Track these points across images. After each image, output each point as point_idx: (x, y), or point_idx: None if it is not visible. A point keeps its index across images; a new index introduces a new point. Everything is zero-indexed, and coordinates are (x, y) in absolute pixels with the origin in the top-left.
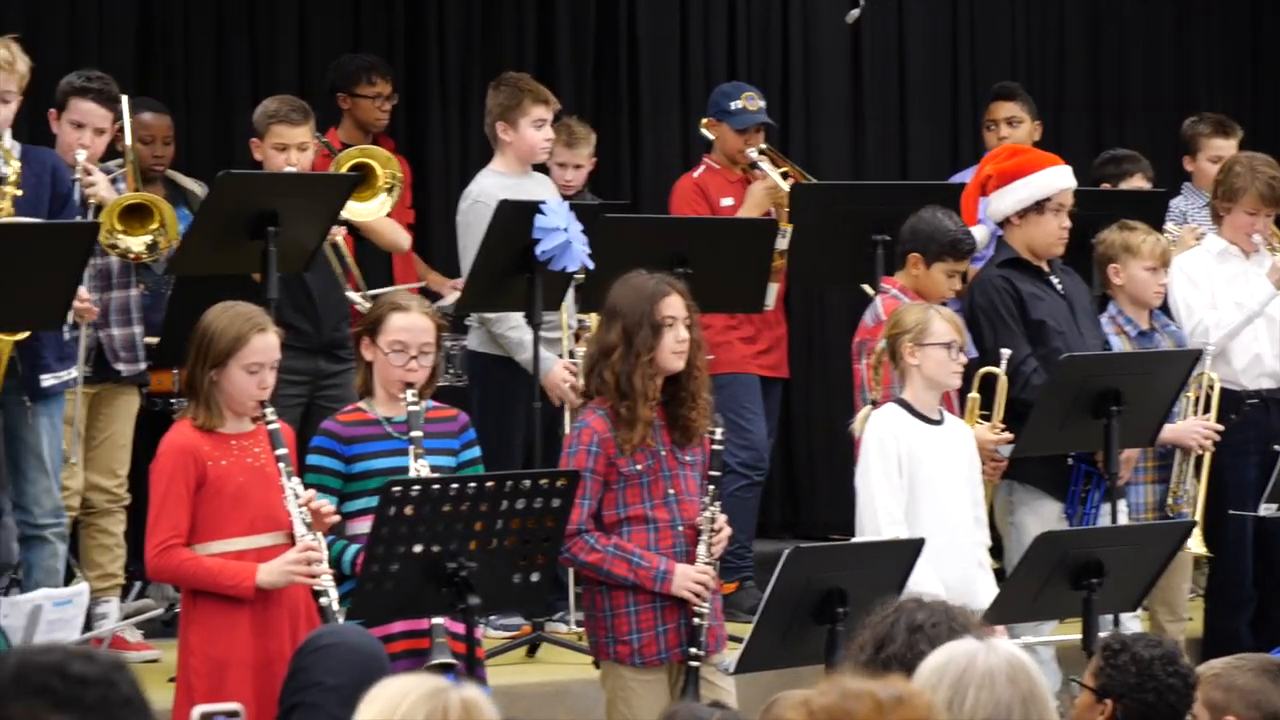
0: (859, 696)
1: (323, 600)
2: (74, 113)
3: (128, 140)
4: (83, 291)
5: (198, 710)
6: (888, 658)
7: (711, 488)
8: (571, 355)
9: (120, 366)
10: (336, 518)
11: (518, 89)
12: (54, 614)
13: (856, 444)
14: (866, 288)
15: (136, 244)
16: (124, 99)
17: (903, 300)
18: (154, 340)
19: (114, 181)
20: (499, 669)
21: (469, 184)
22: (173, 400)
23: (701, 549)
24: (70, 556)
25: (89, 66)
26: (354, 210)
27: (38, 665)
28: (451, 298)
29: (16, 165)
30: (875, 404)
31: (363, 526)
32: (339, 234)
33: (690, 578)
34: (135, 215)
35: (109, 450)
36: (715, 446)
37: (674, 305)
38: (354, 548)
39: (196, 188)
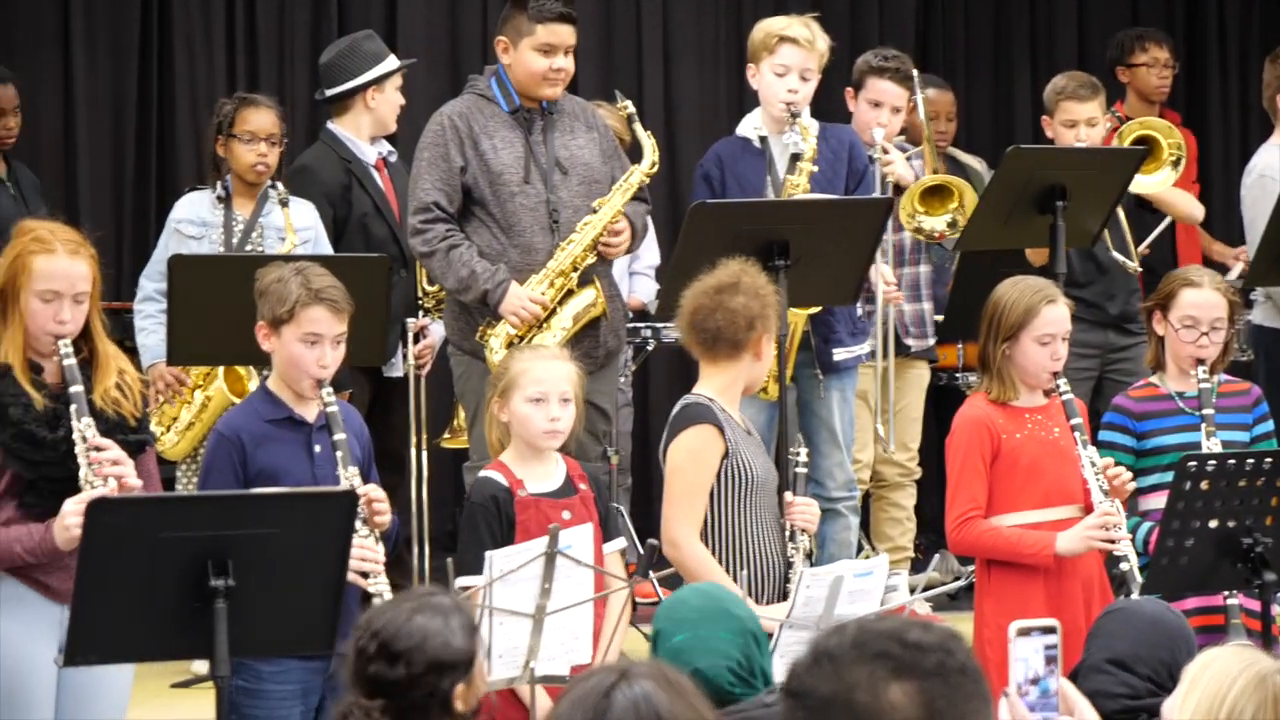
0: None
1: (1122, 565)
2: (871, 91)
3: (922, 119)
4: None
5: (1014, 625)
6: None
7: None
8: None
9: (909, 341)
10: (1133, 485)
11: None
12: (854, 585)
13: None
14: None
15: (938, 224)
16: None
17: None
18: (940, 316)
19: (909, 160)
20: None
21: (1251, 158)
22: (958, 375)
23: None
24: (860, 530)
25: (870, 44)
26: (1138, 183)
27: (877, 632)
28: (1237, 270)
29: (813, 142)
30: None
31: (1155, 502)
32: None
33: None
34: (935, 195)
35: (901, 424)
36: None
37: None
38: (1146, 524)
39: (977, 164)
